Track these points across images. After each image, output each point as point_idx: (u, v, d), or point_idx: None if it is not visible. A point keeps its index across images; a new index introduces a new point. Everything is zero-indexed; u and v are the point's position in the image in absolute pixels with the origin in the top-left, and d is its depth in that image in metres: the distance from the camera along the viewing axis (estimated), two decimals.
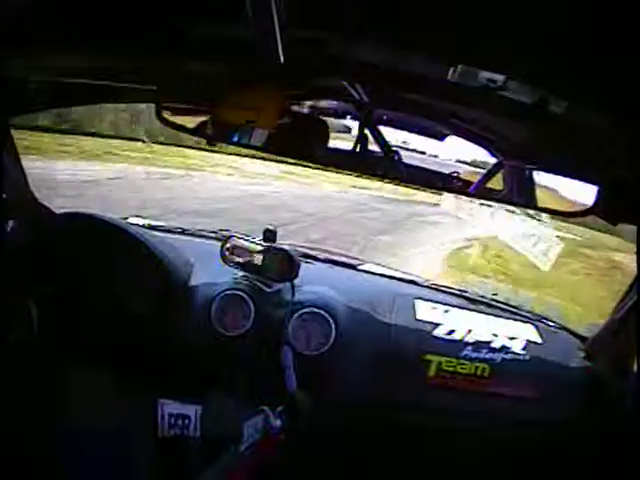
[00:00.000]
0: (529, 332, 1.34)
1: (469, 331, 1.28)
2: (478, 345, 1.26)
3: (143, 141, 9.26)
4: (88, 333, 1.17)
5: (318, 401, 1.18)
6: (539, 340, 1.31)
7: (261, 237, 1.26)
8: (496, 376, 1.23)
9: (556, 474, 1.27)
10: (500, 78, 0.60)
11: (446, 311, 1.36)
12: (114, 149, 9.46)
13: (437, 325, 1.29)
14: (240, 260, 1.26)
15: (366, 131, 0.87)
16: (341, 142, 0.89)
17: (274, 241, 1.25)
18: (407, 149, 0.89)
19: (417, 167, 0.92)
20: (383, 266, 1.62)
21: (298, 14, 0.54)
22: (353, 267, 1.55)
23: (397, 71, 0.68)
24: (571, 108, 0.63)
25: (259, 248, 1.24)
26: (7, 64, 0.73)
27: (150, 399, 0.99)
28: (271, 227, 1.27)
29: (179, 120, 0.95)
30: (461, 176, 0.92)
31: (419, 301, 1.38)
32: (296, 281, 1.24)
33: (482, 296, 1.50)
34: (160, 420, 0.97)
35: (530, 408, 1.23)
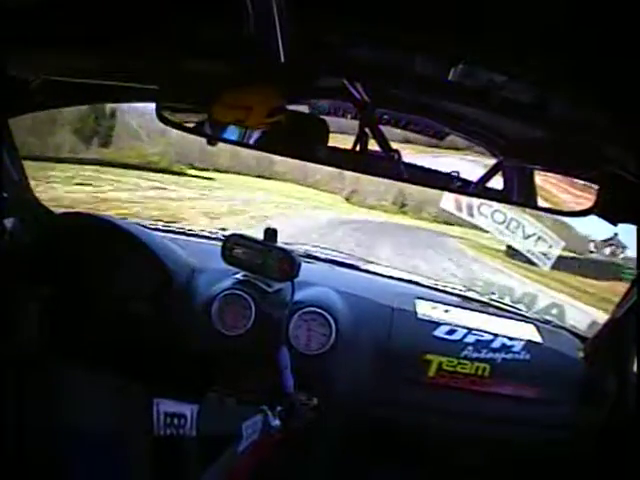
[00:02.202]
0: (529, 332, 1.34)
1: (469, 331, 1.28)
2: (478, 345, 1.26)
3: None
4: (88, 333, 1.17)
5: (318, 401, 1.18)
6: (539, 340, 1.31)
7: (262, 237, 1.26)
8: (496, 376, 1.23)
9: (556, 474, 1.27)
10: (500, 78, 0.60)
11: (446, 311, 1.36)
12: None
13: (437, 325, 1.29)
14: (241, 260, 1.25)
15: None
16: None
17: (275, 241, 1.25)
18: None
19: (417, 167, 0.92)
20: (384, 266, 1.63)
21: (298, 14, 0.54)
22: (353, 267, 1.55)
23: (398, 71, 0.68)
24: (571, 108, 0.63)
25: (260, 248, 1.24)
26: (7, 64, 0.73)
27: (148, 398, 0.99)
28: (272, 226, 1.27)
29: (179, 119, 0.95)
30: (461, 175, 0.92)
31: (419, 301, 1.38)
32: (296, 281, 1.24)
33: (482, 296, 1.50)
34: (156, 419, 0.97)
35: (530, 408, 1.23)
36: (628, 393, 1.16)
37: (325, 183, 14.51)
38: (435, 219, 16.48)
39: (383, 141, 0.87)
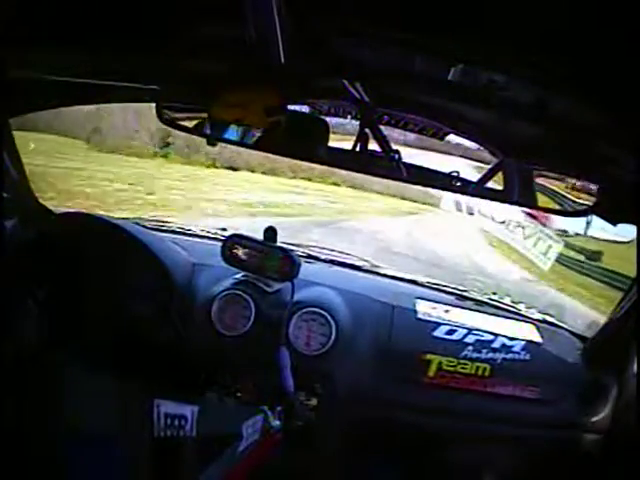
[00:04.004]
0: (529, 332, 1.34)
1: (469, 331, 1.28)
2: (478, 345, 1.26)
3: None
4: (88, 333, 1.17)
5: (318, 401, 1.18)
6: (539, 340, 1.31)
7: (262, 237, 1.26)
8: (496, 376, 1.23)
9: (556, 474, 1.27)
10: (500, 78, 0.60)
11: (446, 311, 1.36)
12: None
13: (437, 325, 1.29)
14: (240, 260, 1.26)
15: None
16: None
17: (274, 241, 1.25)
18: None
19: (417, 167, 0.93)
20: (384, 266, 1.63)
21: (298, 14, 0.54)
22: (353, 267, 1.55)
23: (398, 71, 0.68)
24: (571, 108, 0.63)
25: (260, 248, 1.24)
26: (7, 64, 0.73)
27: (147, 399, 0.99)
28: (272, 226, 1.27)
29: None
30: (461, 175, 0.92)
31: (419, 301, 1.38)
32: (296, 281, 1.24)
33: (482, 295, 1.50)
34: (156, 420, 0.97)
35: (530, 408, 1.23)
36: (628, 393, 1.16)
37: (68, 129, 10.79)
38: (212, 163, 12.41)
39: (383, 141, 0.87)
